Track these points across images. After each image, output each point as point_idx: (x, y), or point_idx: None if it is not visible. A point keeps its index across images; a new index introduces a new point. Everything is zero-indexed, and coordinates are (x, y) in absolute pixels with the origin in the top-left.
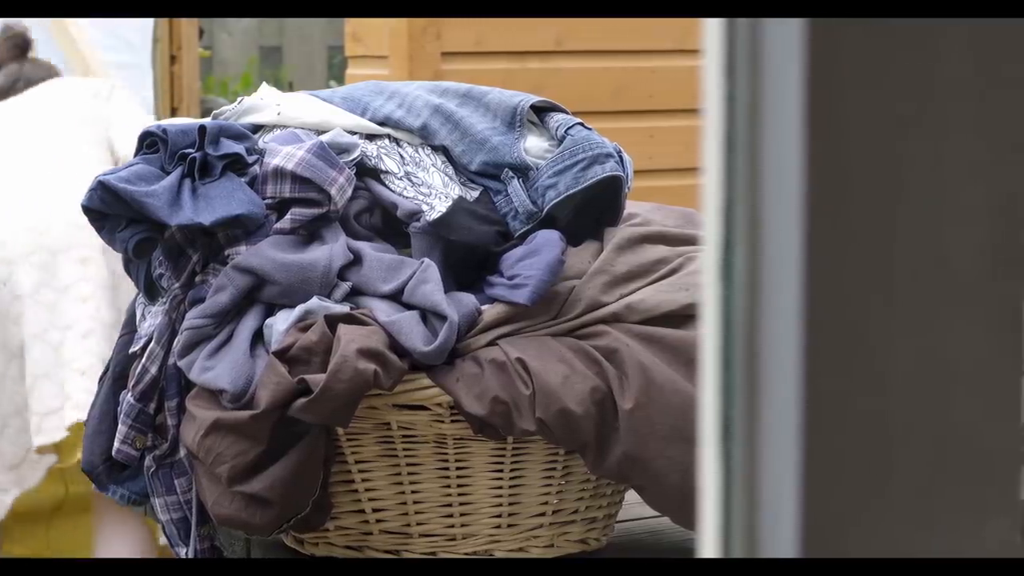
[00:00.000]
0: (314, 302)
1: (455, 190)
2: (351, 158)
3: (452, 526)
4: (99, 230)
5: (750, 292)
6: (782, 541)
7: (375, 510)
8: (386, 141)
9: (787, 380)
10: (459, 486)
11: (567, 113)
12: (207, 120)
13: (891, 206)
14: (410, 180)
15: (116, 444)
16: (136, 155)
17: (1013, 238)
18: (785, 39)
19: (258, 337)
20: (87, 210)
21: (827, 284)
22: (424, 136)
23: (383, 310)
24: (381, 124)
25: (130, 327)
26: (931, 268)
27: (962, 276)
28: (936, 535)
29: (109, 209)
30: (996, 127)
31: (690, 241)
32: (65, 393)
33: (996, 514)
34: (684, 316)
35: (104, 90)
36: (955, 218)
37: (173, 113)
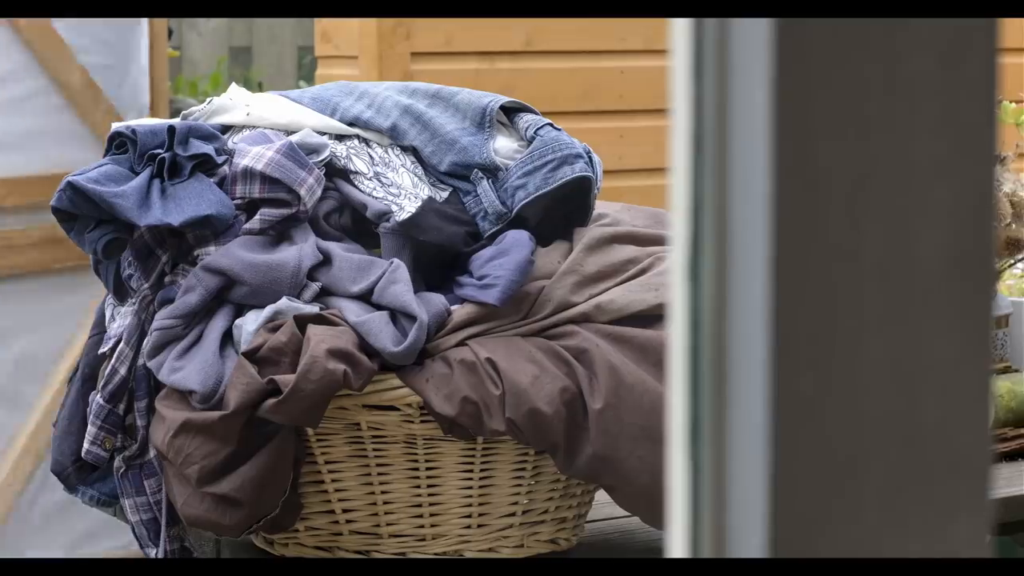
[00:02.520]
0: (283, 302)
1: (424, 191)
2: (320, 158)
3: (422, 526)
4: (68, 231)
5: (718, 292)
6: (751, 541)
7: (345, 511)
8: (355, 141)
9: (755, 380)
10: (429, 486)
11: (536, 114)
12: (176, 120)
13: (859, 206)
14: (379, 180)
15: (85, 445)
16: (105, 155)
17: (980, 238)
18: (752, 39)
19: (227, 338)
20: (56, 211)
21: (795, 284)
22: (393, 137)
23: (352, 310)
24: (350, 124)
25: (99, 328)
26: (899, 268)
27: (930, 276)
28: (905, 535)
29: (78, 210)
30: (962, 127)
31: (659, 241)
32: None
33: (965, 514)
34: (654, 316)
35: None
36: (922, 218)
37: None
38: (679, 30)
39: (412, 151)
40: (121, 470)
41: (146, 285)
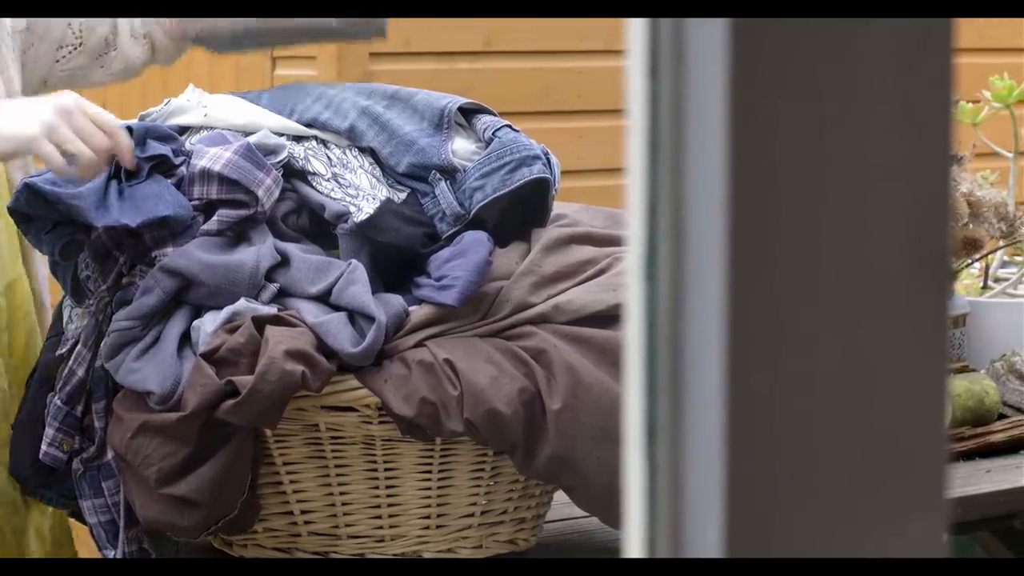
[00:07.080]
0: (241, 303)
1: (382, 192)
2: (278, 159)
3: (381, 527)
4: (25, 232)
5: (674, 292)
6: (707, 541)
7: (303, 511)
8: (313, 143)
9: (711, 380)
10: (387, 487)
11: (495, 115)
12: (134, 121)
13: (814, 206)
14: (337, 181)
15: (43, 447)
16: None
17: (936, 238)
18: (708, 40)
19: (186, 339)
20: (13, 212)
21: (751, 284)
22: (351, 138)
23: (311, 311)
24: (308, 125)
25: (57, 329)
26: (855, 268)
27: (886, 276)
28: (861, 534)
29: (35, 211)
30: (918, 127)
31: (617, 241)
32: None
33: (921, 513)
34: (612, 316)
35: None
36: (878, 218)
37: None
38: (635, 30)
39: (370, 152)
40: (79, 472)
41: (104, 286)
